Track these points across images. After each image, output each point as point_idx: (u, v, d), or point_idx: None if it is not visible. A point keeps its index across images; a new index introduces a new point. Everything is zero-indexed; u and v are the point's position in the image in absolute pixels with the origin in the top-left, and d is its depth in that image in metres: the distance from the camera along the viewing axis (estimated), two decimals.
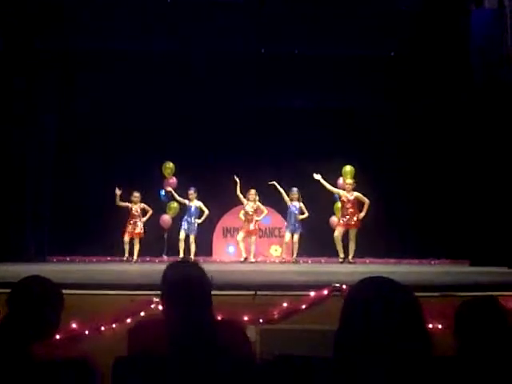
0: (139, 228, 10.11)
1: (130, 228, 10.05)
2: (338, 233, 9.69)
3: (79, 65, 9.92)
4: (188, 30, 9.19)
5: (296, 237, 10.05)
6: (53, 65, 9.69)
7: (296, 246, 10.07)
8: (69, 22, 9.04)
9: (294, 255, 10.03)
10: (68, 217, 10.32)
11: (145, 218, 10.20)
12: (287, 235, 10.12)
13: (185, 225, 10.16)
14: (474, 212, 8.98)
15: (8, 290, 2.56)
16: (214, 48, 9.71)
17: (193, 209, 10.21)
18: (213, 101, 10.59)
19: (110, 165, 10.63)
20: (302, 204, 10.19)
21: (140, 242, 10.14)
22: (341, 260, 9.61)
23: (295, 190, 10.16)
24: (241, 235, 10.16)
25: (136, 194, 10.15)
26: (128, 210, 10.12)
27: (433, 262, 9.83)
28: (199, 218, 10.24)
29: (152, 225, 10.28)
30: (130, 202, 10.16)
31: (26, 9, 8.80)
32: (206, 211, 10.23)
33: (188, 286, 2.33)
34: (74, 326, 4.36)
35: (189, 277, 2.38)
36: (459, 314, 2.59)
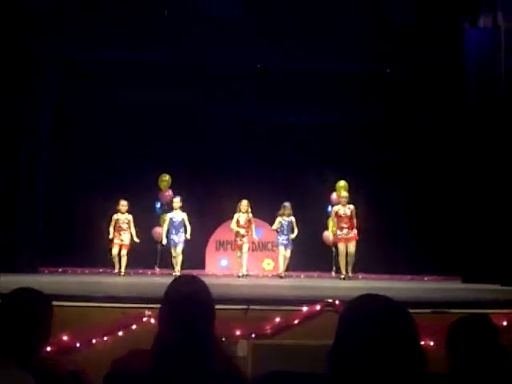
0: (127, 239, 9.59)
1: (116, 239, 9.53)
2: (343, 248, 9.51)
3: (77, 73, 9.90)
4: (185, 43, 9.24)
5: (288, 252, 9.81)
6: (49, 71, 9.69)
7: (287, 262, 9.82)
8: (68, 30, 9.06)
9: (283, 270, 9.73)
10: (60, 228, 10.26)
11: (133, 232, 9.60)
12: (281, 249, 9.78)
13: (173, 239, 9.67)
14: (466, 229, 9.01)
15: None
16: (211, 61, 9.76)
17: (177, 222, 9.66)
18: (209, 114, 10.64)
19: (104, 176, 10.58)
20: (293, 218, 9.89)
21: (127, 254, 9.57)
22: (343, 276, 9.43)
23: (288, 204, 9.87)
24: (238, 253, 9.75)
25: (123, 203, 9.61)
26: (114, 222, 9.58)
27: (425, 279, 9.84)
28: (185, 231, 9.64)
29: (144, 237, 10.22)
30: (116, 212, 9.63)
31: (28, 14, 8.84)
32: (189, 227, 9.62)
33: (192, 305, 2.23)
34: (65, 338, 4.35)
35: (195, 294, 2.28)
36: (452, 331, 2.60)
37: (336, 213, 9.71)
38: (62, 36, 9.12)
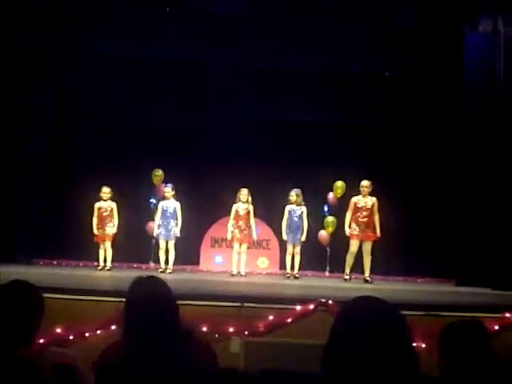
0: (110, 230, 8.93)
1: (99, 231, 8.90)
2: (354, 248, 8.48)
3: (74, 68, 9.89)
4: (186, 40, 9.25)
5: (298, 249, 8.87)
6: (48, 65, 9.67)
7: (298, 259, 8.90)
8: (69, 24, 9.08)
9: (296, 269, 8.93)
10: (56, 220, 10.24)
11: (115, 221, 8.95)
12: (289, 247, 8.93)
13: (162, 230, 9.06)
14: (461, 231, 9.05)
15: None
16: (211, 59, 9.77)
17: (169, 211, 9.05)
18: (205, 110, 10.61)
19: (99, 170, 10.53)
20: (304, 208, 8.93)
21: (112, 246, 8.97)
22: (346, 277, 8.64)
23: (295, 192, 8.93)
24: (236, 247, 9.16)
25: (105, 190, 8.92)
26: (97, 211, 8.93)
27: (419, 281, 9.85)
28: (176, 222, 9.08)
29: (138, 231, 10.19)
30: (99, 199, 8.97)
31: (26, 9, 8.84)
32: (180, 219, 9.04)
33: (154, 304, 2.34)
34: (58, 330, 4.35)
35: (155, 296, 2.38)
36: (444, 335, 2.61)
37: (354, 204, 8.58)
38: (64, 30, 9.12)
